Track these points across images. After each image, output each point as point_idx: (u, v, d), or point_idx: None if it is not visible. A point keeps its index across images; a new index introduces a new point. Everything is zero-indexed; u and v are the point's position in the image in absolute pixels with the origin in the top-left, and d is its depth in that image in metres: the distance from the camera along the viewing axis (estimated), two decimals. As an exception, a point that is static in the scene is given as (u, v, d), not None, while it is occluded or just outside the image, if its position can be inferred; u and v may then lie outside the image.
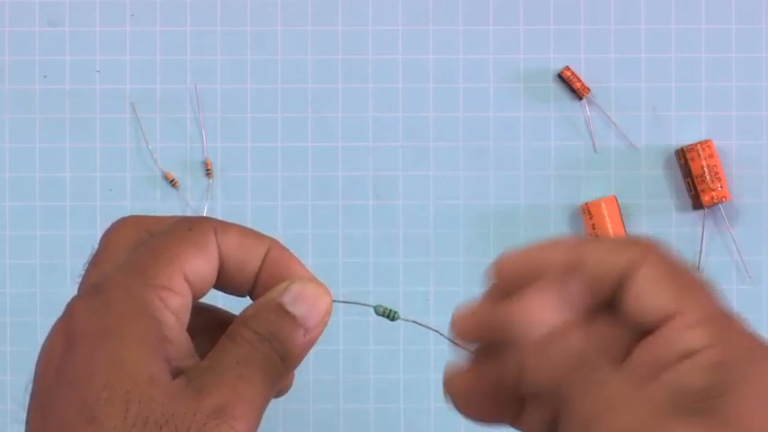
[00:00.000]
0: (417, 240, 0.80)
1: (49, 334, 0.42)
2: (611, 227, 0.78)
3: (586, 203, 0.79)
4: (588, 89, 0.80)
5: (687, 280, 0.40)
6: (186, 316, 0.43)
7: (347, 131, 0.80)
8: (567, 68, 0.80)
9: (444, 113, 0.80)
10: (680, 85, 0.80)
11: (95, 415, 0.39)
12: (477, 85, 0.80)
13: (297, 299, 0.45)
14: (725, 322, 0.39)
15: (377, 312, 0.48)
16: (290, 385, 0.47)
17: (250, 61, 0.80)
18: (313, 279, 0.46)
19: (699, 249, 0.80)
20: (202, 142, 0.80)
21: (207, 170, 0.79)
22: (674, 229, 0.81)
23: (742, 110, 0.80)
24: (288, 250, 0.46)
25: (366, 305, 0.47)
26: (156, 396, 0.40)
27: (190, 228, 0.44)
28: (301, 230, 0.80)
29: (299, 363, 0.45)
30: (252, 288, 0.46)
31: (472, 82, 0.80)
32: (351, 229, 0.80)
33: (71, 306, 0.42)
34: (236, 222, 0.46)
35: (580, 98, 0.80)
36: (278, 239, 0.46)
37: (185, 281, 0.43)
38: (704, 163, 0.79)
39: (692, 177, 0.79)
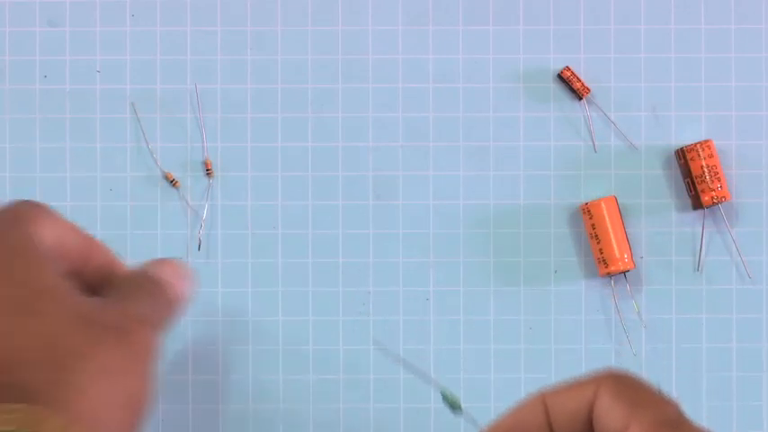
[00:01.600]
0: (417, 240, 0.80)
1: None
2: (611, 227, 0.78)
3: (586, 204, 0.79)
4: (588, 89, 0.80)
5: (639, 396, 0.44)
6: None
7: (347, 131, 0.80)
8: (567, 68, 0.80)
9: (444, 113, 0.80)
10: (679, 85, 0.80)
11: (35, 308, 0.43)
12: (476, 86, 0.80)
13: (157, 267, 0.54)
14: (671, 428, 0.43)
15: (444, 398, 0.50)
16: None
17: (250, 61, 0.80)
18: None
19: (699, 249, 0.80)
20: (202, 142, 0.80)
21: (207, 170, 0.79)
22: (674, 228, 0.81)
23: (742, 110, 0.80)
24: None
25: (435, 386, 0.50)
26: (86, 300, 0.44)
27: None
28: (301, 230, 0.80)
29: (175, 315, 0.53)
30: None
31: (472, 82, 0.80)
32: (350, 229, 0.80)
33: None
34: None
35: (580, 98, 0.80)
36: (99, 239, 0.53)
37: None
38: (704, 163, 0.79)
39: (692, 177, 0.79)
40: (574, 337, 0.80)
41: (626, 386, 0.45)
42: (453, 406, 0.49)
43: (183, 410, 0.79)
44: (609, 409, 0.44)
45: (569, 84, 0.80)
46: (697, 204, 0.79)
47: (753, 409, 0.80)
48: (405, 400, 0.79)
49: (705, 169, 0.79)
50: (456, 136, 0.80)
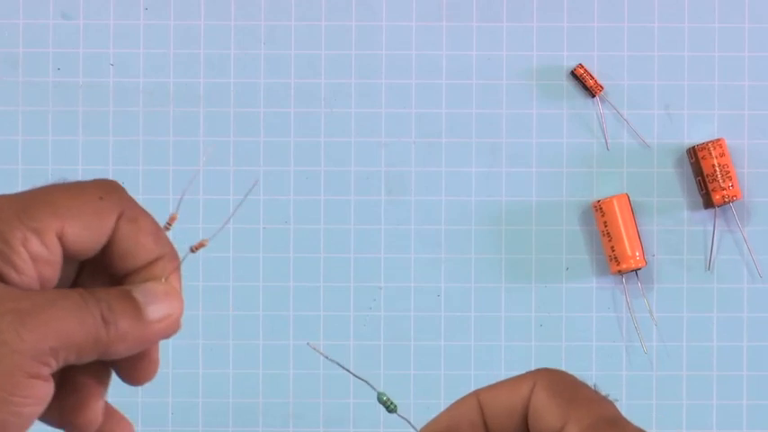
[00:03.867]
0: (429, 236, 0.80)
1: None
2: (622, 224, 0.78)
3: (598, 201, 0.79)
4: (601, 87, 0.80)
5: (575, 394, 0.44)
6: (49, 269, 0.43)
7: (360, 127, 0.80)
8: (580, 66, 0.80)
9: (457, 110, 0.80)
10: (692, 84, 0.80)
11: None
12: (490, 82, 0.80)
13: (147, 292, 0.44)
14: (609, 427, 0.42)
15: (379, 400, 0.50)
16: (153, 373, 0.47)
17: (263, 56, 0.80)
18: (175, 288, 0.45)
19: (710, 248, 0.80)
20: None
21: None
22: (686, 227, 0.81)
23: (754, 109, 0.80)
24: (179, 270, 0.45)
25: (373, 387, 0.50)
26: None
27: (101, 197, 0.44)
28: (313, 225, 0.80)
29: (130, 347, 0.44)
30: (121, 280, 0.46)
31: (485, 78, 0.80)
32: (363, 224, 0.80)
33: None
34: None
35: (593, 96, 0.80)
36: (178, 255, 0.45)
37: (60, 238, 0.43)
38: (715, 162, 0.79)
39: (703, 176, 0.79)
40: (585, 335, 0.80)
41: (562, 384, 0.44)
42: (388, 407, 0.49)
43: (193, 404, 0.79)
44: (545, 407, 0.43)
45: (582, 81, 0.80)
46: (708, 203, 0.79)
47: (763, 408, 0.80)
48: (415, 396, 0.79)
49: (716, 168, 0.79)
50: (469, 132, 0.80)
